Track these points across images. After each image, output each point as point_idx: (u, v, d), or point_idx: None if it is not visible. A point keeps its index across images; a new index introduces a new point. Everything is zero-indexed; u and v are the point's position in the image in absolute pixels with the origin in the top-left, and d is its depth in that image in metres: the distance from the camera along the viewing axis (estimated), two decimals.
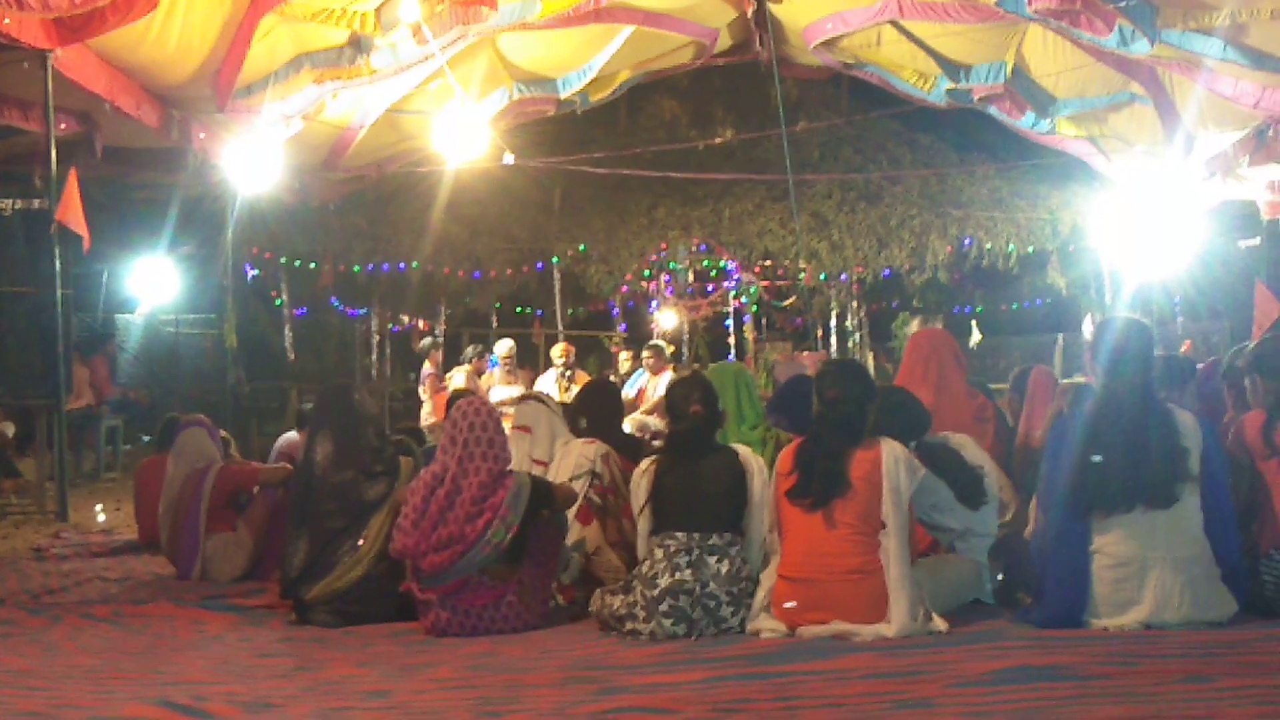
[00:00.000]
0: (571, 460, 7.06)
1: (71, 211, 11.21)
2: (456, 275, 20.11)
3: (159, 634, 6.48)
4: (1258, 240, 15.98)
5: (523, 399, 8.47)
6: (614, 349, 19.41)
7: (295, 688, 5.06)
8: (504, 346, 15.50)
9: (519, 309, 23.29)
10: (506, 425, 6.98)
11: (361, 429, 7.16)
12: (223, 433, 9.77)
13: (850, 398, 5.76)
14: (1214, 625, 5.25)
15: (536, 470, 7.11)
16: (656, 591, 5.68)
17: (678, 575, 5.68)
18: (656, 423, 12.16)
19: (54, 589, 7.98)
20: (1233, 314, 18.95)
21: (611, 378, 15.60)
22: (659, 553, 5.78)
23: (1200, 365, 8.38)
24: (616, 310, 21.85)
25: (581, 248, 20.11)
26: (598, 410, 7.79)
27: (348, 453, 7.01)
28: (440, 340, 18.07)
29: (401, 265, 19.65)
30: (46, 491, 12.14)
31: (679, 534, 5.77)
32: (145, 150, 14.26)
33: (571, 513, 6.74)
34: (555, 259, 20.27)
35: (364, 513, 6.82)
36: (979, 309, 23.34)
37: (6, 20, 9.21)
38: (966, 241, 19.94)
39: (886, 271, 20.60)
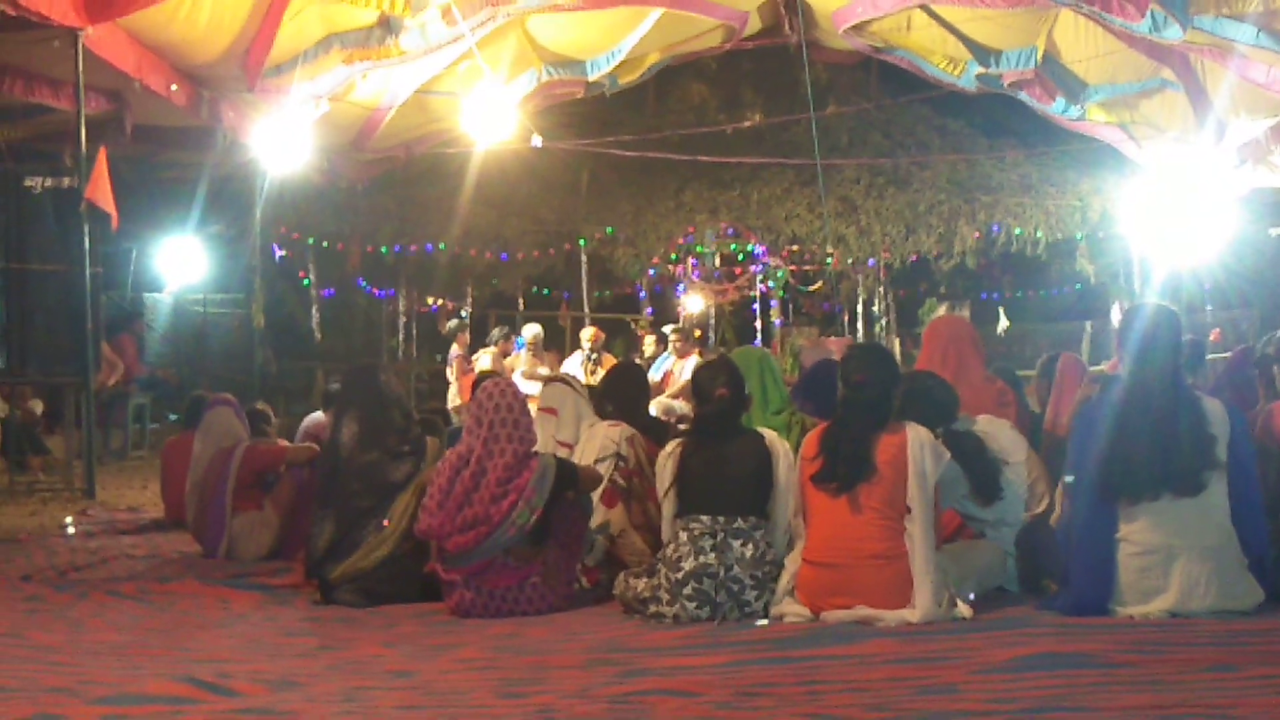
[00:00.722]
0: (597, 443, 7.06)
1: (101, 190, 11.25)
2: (484, 257, 20.17)
3: (184, 611, 6.51)
4: None
5: (549, 381, 8.47)
6: (640, 332, 19.41)
7: (320, 666, 5.08)
8: (530, 330, 15.51)
9: (546, 291, 23.33)
10: (532, 407, 6.98)
11: (387, 409, 7.17)
12: (260, 404, 9.81)
13: (876, 382, 5.74)
14: (1241, 614, 5.22)
15: (562, 452, 7.10)
16: (681, 575, 5.68)
17: (702, 559, 5.68)
18: (682, 406, 12.15)
19: (81, 566, 8.02)
20: (1263, 302, 18.87)
21: (637, 361, 15.60)
22: (683, 536, 5.78)
23: (1229, 353, 8.35)
24: (643, 293, 21.87)
25: (609, 230, 20.11)
26: (623, 393, 7.79)
27: (373, 433, 7.02)
28: (467, 322, 18.10)
29: (429, 246, 19.69)
30: (74, 469, 12.20)
31: (704, 517, 5.76)
32: (175, 129, 14.30)
33: (596, 495, 6.73)
34: (582, 241, 20.29)
35: (390, 493, 6.84)
36: (1007, 295, 23.29)
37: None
38: (995, 228, 19.90)
39: (914, 257, 20.58)
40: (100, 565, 8.05)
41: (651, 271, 21.14)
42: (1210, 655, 4.56)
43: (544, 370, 14.60)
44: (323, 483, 7.15)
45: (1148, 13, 11.18)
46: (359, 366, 8.70)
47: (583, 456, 7.01)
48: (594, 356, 15.08)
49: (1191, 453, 5.33)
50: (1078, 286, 22.33)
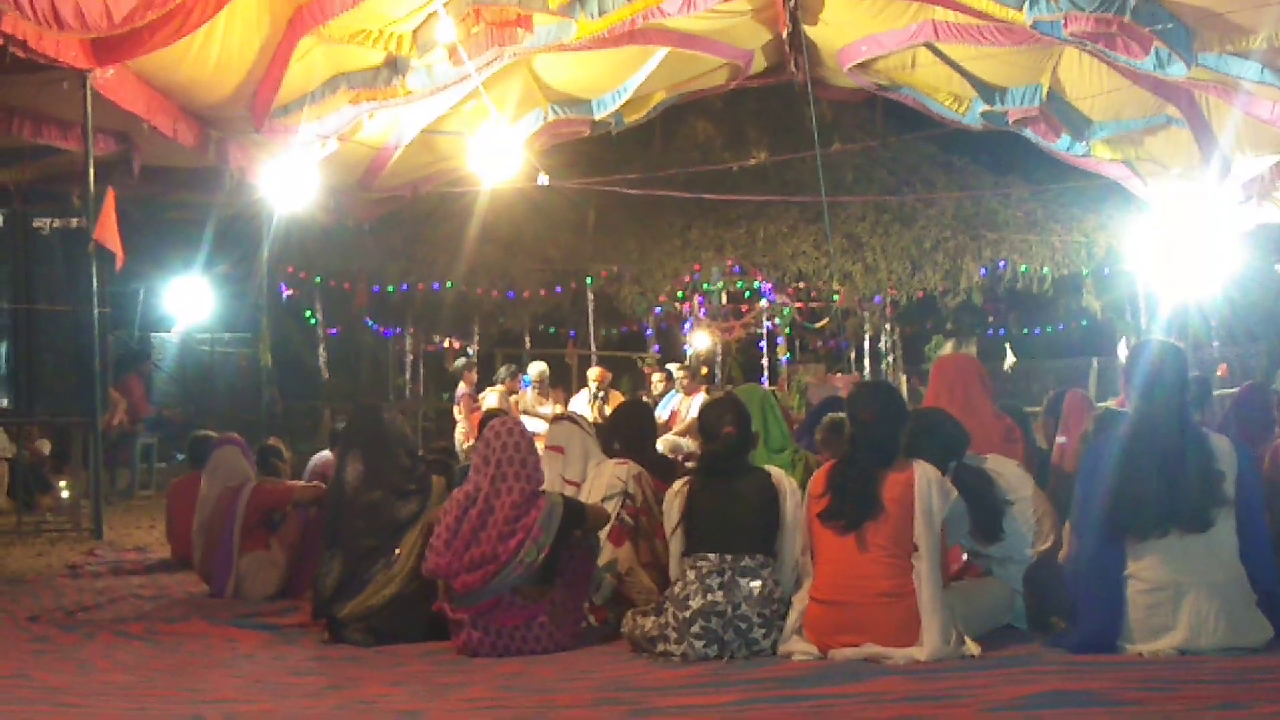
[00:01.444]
0: (604, 481, 7.05)
1: (108, 230, 11.30)
2: (490, 295, 20.18)
3: (192, 651, 6.51)
4: None
5: (556, 419, 8.47)
6: (647, 370, 19.42)
7: (327, 706, 5.07)
8: (536, 368, 15.52)
9: (552, 329, 23.35)
10: (539, 445, 6.99)
11: (392, 449, 7.17)
12: (273, 440, 9.82)
13: (883, 420, 5.75)
14: (1250, 651, 5.21)
15: (569, 491, 7.10)
16: (688, 613, 5.68)
17: (709, 597, 5.67)
18: (689, 444, 12.16)
19: (88, 606, 8.01)
20: (1269, 337, 18.87)
21: (644, 399, 15.61)
22: (691, 574, 5.78)
23: (1236, 389, 8.35)
24: (650, 331, 21.88)
25: (614, 269, 20.15)
26: (631, 431, 7.79)
27: (378, 472, 7.03)
28: (474, 360, 18.11)
29: (436, 285, 19.72)
30: (81, 509, 12.20)
31: (711, 555, 5.76)
32: (182, 170, 14.37)
33: (604, 533, 6.73)
34: (589, 279, 20.31)
35: (396, 531, 6.83)
36: (1013, 332, 23.30)
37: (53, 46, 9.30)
38: (1001, 264, 19.91)
39: (920, 294, 20.59)
40: (108, 605, 8.04)
41: (658, 309, 21.16)
42: (1219, 693, 4.55)
43: (549, 408, 14.60)
44: (328, 522, 7.15)
45: (1152, 50, 11.22)
46: (363, 406, 8.69)
47: (590, 494, 7.01)
48: (601, 395, 15.08)
49: (1199, 489, 5.33)
50: (1084, 323, 22.33)
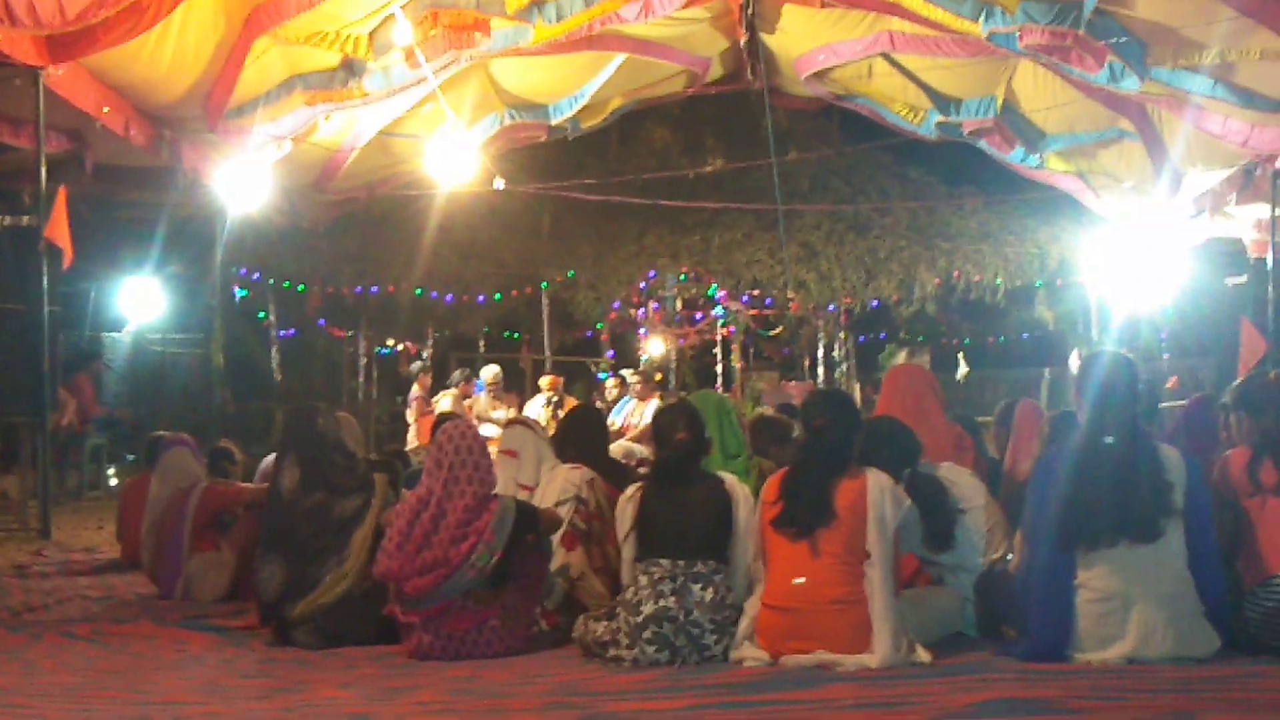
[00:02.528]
0: (557, 485, 7.04)
1: (59, 229, 11.21)
2: (445, 299, 20.15)
3: (140, 653, 6.46)
4: (1244, 278, 16.04)
5: (510, 424, 8.46)
6: (601, 376, 19.43)
7: (275, 709, 5.04)
8: (490, 371, 15.49)
9: (507, 334, 23.33)
10: (492, 449, 6.97)
11: (327, 452, 7.12)
12: (225, 443, 9.78)
13: (836, 427, 5.77)
14: (1198, 661, 5.24)
15: (522, 495, 7.09)
16: (640, 618, 5.67)
17: (661, 602, 5.67)
18: (643, 450, 12.15)
19: (35, 606, 7.95)
20: (1219, 350, 19.01)
21: (598, 404, 15.60)
22: (643, 579, 5.78)
23: (1186, 401, 8.41)
24: (605, 336, 21.89)
25: (570, 274, 20.14)
26: (583, 436, 7.79)
27: (315, 476, 6.98)
28: (428, 364, 18.08)
29: (390, 288, 19.67)
30: (30, 509, 12.10)
31: (663, 561, 5.76)
32: (135, 169, 14.26)
33: (556, 538, 6.71)
34: (544, 284, 20.31)
35: (342, 529, 6.78)
36: (966, 341, 23.42)
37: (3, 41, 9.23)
38: (954, 274, 20.01)
39: (874, 303, 20.67)
40: (55, 606, 7.98)
41: (613, 315, 21.18)
42: (1168, 702, 4.57)
43: (503, 413, 14.58)
44: (266, 527, 7.10)
45: (1106, 64, 11.29)
46: (296, 409, 8.62)
47: (543, 499, 7.00)
48: (555, 401, 15.07)
49: (1149, 500, 5.37)
50: (1036, 333, 22.48)
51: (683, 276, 21.10)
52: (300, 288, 19.52)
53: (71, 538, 11.48)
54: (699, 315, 22.11)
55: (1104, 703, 4.58)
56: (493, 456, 6.70)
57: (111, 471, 16.37)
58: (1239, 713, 4.43)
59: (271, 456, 10.63)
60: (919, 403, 7.54)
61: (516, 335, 23.22)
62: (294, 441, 7.20)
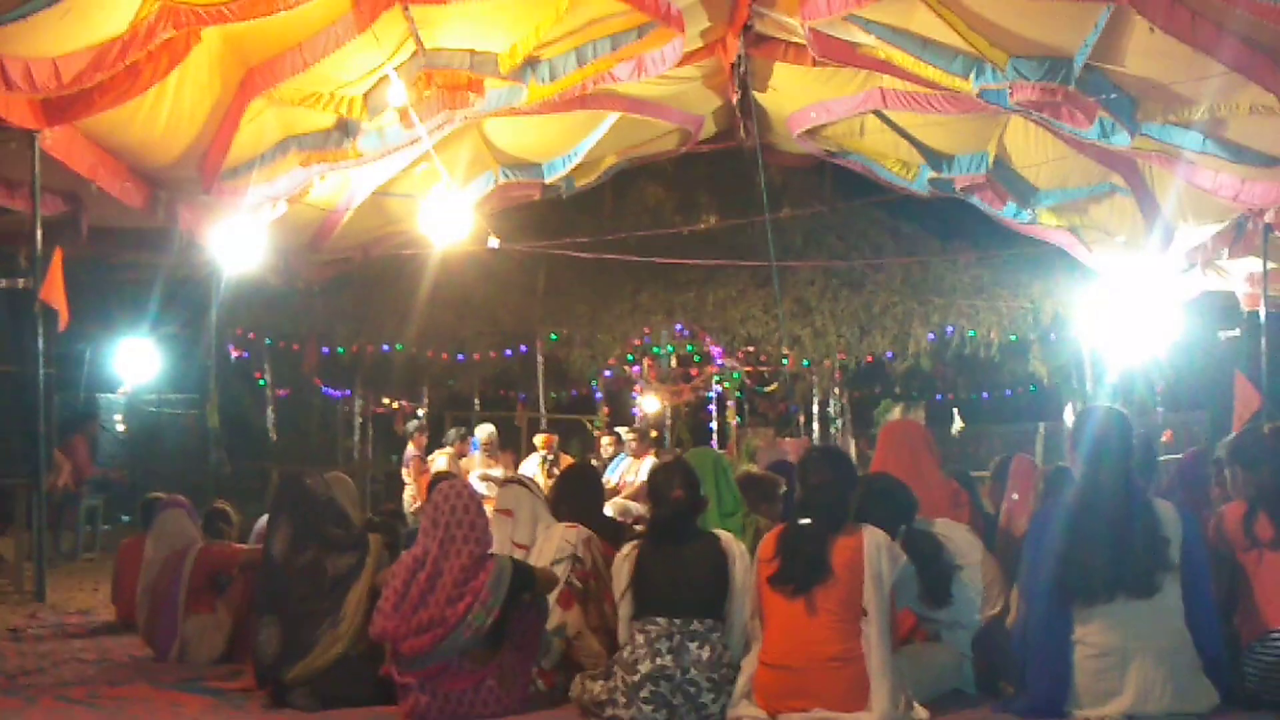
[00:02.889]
0: (553, 544, 7.03)
1: (54, 290, 11.22)
2: (440, 358, 20.16)
3: (135, 716, 6.43)
4: (1237, 331, 16.07)
5: (506, 482, 8.45)
6: (596, 433, 19.41)
7: None
8: (484, 431, 15.47)
9: (502, 392, 23.32)
10: (488, 508, 6.96)
11: (317, 513, 7.10)
12: (221, 503, 9.75)
13: (833, 484, 5.79)
14: (1196, 716, 5.23)
15: (518, 554, 7.08)
16: (637, 677, 5.66)
17: (658, 661, 5.66)
18: (639, 508, 12.13)
19: (30, 670, 7.90)
20: (1213, 404, 19.01)
21: (594, 462, 15.58)
22: (640, 638, 5.77)
23: (1181, 455, 8.42)
24: (600, 394, 21.89)
25: (554, 336, 20.20)
26: (578, 495, 7.77)
27: (306, 535, 6.96)
28: (424, 423, 18.06)
29: (385, 347, 19.69)
30: (24, 571, 12.05)
31: (660, 620, 5.76)
32: (131, 230, 14.29)
33: (552, 597, 6.70)
34: (538, 342, 20.33)
35: (335, 587, 6.75)
36: (961, 397, 23.42)
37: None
38: (949, 329, 20.04)
39: (869, 359, 20.68)
40: (50, 669, 7.93)
41: (608, 373, 21.19)
42: None
43: (498, 471, 14.55)
44: (261, 590, 7.10)
45: (1096, 119, 11.35)
46: (285, 475, 8.62)
47: (539, 558, 6.98)
48: (550, 459, 15.05)
49: (1145, 555, 5.37)
50: (1031, 388, 22.49)
51: (677, 332, 21.12)
52: (295, 347, 19.53)
53: (66, 600, 11.43)
54: (694, 372, 22.11)
55: None
56: (488, 515, 6.70)
57: (106, 530, 16.32)
58: None
59: (265, 518, 10.65)
60: (914, 458, 7.56)
61: (512, 393, 23.21)
62: (285, 503, 7.20)
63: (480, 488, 13.18)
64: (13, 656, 8.45)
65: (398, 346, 19.64)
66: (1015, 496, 7.63)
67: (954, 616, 6.12)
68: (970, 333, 20.02)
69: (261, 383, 19.93)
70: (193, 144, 12.08)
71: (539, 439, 15.69)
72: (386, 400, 22.17)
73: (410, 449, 15.85)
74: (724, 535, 6.13)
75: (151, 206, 12.92)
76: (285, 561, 6.92)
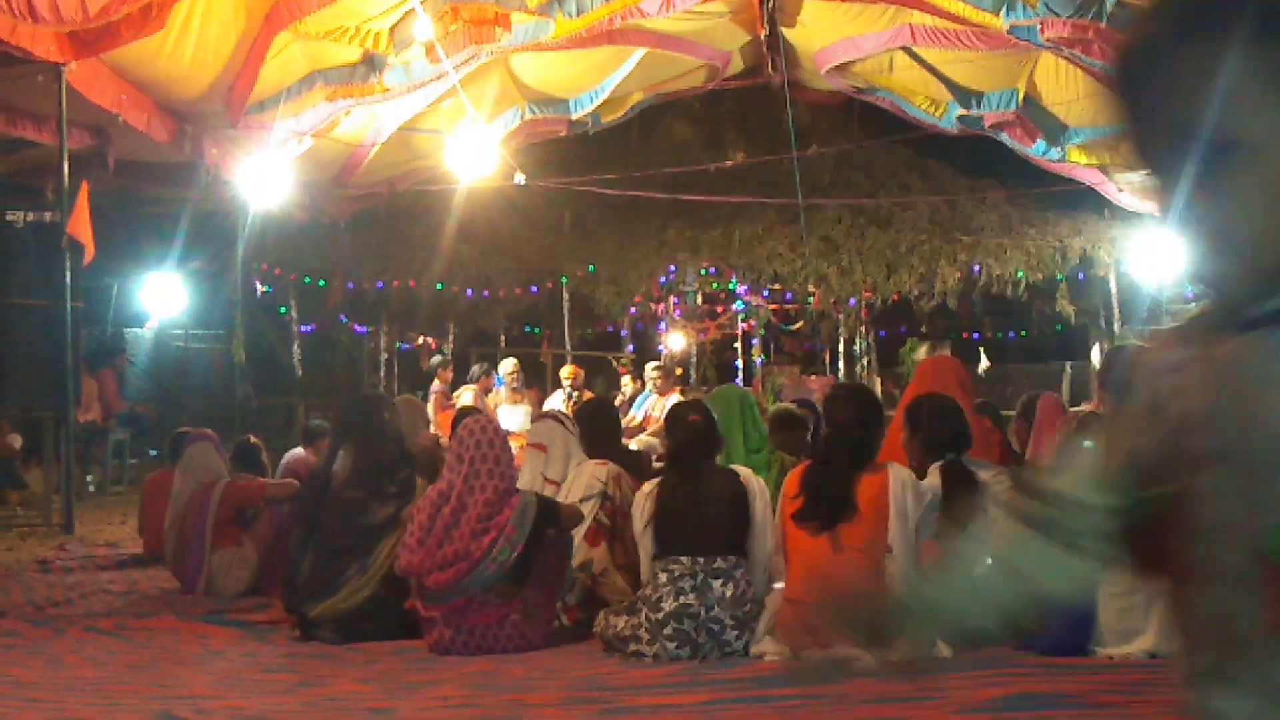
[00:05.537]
0: (584, 481, 7.03)
1: (81, 224, 11.25)
2: (466, 294, 20.15)
3: (163, 648, 6.48)
4: None
5: (540, 417, 8.45)
6: (620, 370, 19.40)
7: (298, 703, 5.06)
8: (508, 365, 15.46)
9: (528, 329, 23.33)
10: (517, 444, 6.97)
11: (384, 446, 7.12)
12: (254, 438, 9.79)
13: (859, 422, 5.77)
14: None
15: (549, 490, 7.09)
16: (661, 615, 5.67)
17: (682, 599, 5.67)
18: (662, 445, 12.12)
19: (59, 601, 7.97)
20: None
21: (618, 400, 15.57)
22: (663, 576, 5.77)
23: None
24: (625, 331, 21.87)
25: (591, 269, 20.13)
26: (593, 430, 7.74)
27: (365, 470, 6.99)
28: (450, 359, 18.06)
29: (411, 283, 19.68)
30: (52, 504, 12.14)
31: (683, 558, 5.75)
32: (157, 164, 14.29)
33: (580, 533, 6.72)
34: (564, 279, 20.30)
35: (369, 535, 6.77)
36: (988, 336, 23.35)
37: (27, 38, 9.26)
38: (976, 268, 19.93)
39: (895, 297, 20.61)
40: (78, 601, 8.00)
41: (633, 309, 21.16)
42: None
43: (524, 407, 14.53)
44: (307, 511, 7.12)
45: None
46: (363, 397, 8.62)
47: (569, 494, 6.99)
48: (574, 395, 15.04)
49: None
50: (1058, 327, 22.38)
51: (703, 271, 21.08)
52: (321, 283, 19.54)
53: (94, 532, 11.52)
54: (720, 310, 22.06)
55: (1125, 697, 4.57)
56: (515, 451, 6.72)
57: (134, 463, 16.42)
58: None
59: (295, 451, 10.70)
60: (949, 394, 7.53)
61: (537, 330, 23.21)
62: (354, 429, 7.21)
63: (506, 420, 13.23)
64: (41, 588, 8.53)
65: (424, 283, 19.60)
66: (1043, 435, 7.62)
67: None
68: (997, 271, 19.90)
69: (286, 316, 19.95)
70: (219, 78, 12.05)
71: (565, 370, 15.68)
72: (412, 336, 22.17)
73: (435, 384, 15.86)
74: (743, 470, 6.12)
75: (178, 141, 12.92)
76: (338, 489, 6.94)
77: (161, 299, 18.95)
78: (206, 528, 8.45)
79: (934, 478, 5.99)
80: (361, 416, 7.32)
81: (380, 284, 19.74)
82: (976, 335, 23.42)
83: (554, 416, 8.12)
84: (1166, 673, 4.91)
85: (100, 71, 11.09)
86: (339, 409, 8.45)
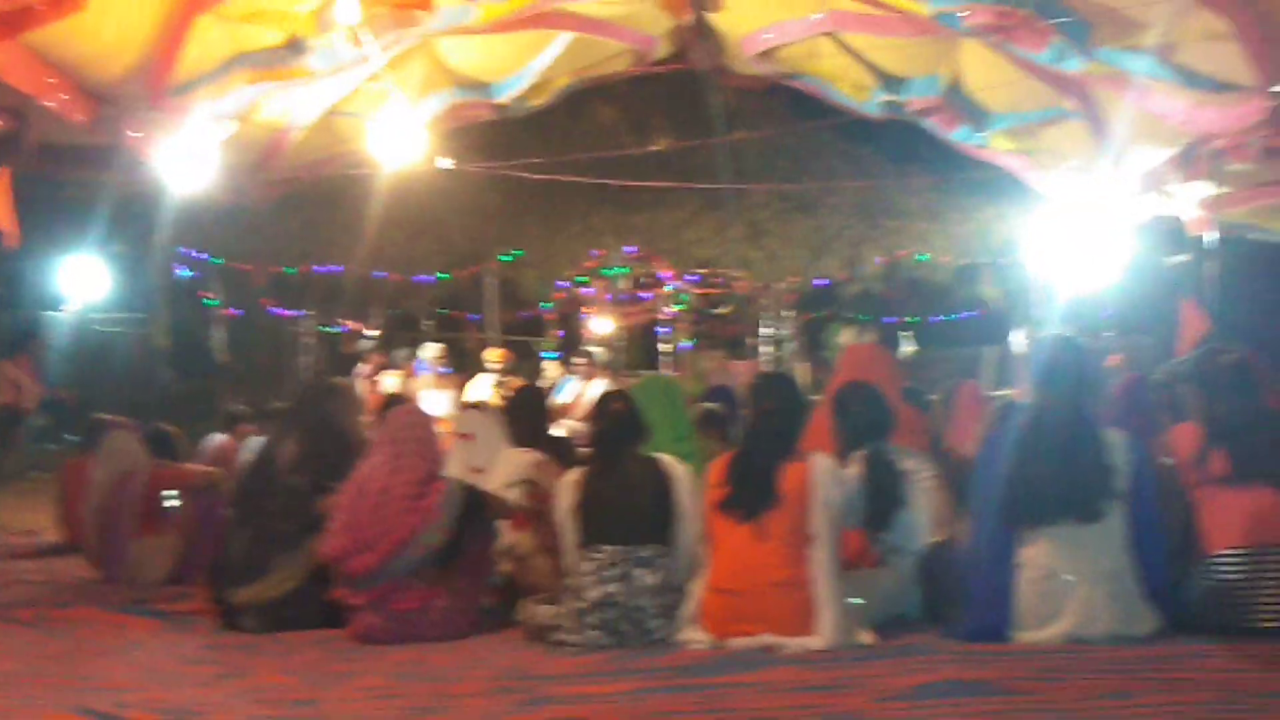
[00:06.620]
0: (509, 468, 7.04)
1: (1, 210, 11.09)
2: (391, 278, 20.06)
3: (81, 638, 6.42)
4: (1186, 256, 16.14)
5: (466, 408, 8.46)
6: (545, 362, 19.38)
7: (220, 695, 5.02)
8: (432, 349, 15.39)
9: (452, 313, 23.24)
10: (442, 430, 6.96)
11: (330, 437, 7.06)
12: (170, 428, 9.70)
13: (784, 410, 5.81)
14: (1138, 640, 5.29)
15: (474, 478, 7.07)
16: (585, 604, 5.68)
17: (606, 589, 5.67)
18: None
19: None
20: (1160, 328, 19.13)
21: (541, 384, 15.54)
22: (587, 565, 5.77)
23: (1128, 378, 8.47)
24: (551, 316, 21.86)
25: (516, 253, 20.10)
26: (524, 418, 7.74)
27: (309, 458, 6.92)
28: (377, 343, 17.97)
29: (336, 268, 19.57)
30: None
31: (607, 547, 5.76)
32: (77, 147, 14.06)
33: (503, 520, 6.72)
34: (490, 263, 20.26)
35: (307, 525, 6.65)
36: (912, 320, 23.49)
37: None
38: (900, 253, 20.07)
39: (821, 281, 20.70)
40: None
41: (559, 294, 21.14)
42: (1109, 682, 4.62)
43: (448, 394, 14.47)
44: (245, 495, 7.06)
45: (1050, 43, 11.33)
46: (315, 385, 8.55)
47: (495, 481, 6.99)
48: (502, 380, 14.98)
49: (1091, 481, 5.42)
50: (981, 312, 22.55)
51: (627, 256, 21.09)
52: (245, 267, 19.38)
53: (13, 520, 11.39)
54: (645, 294, 22.07)
55: (1044, 683, 4.62)
56: (439, 437, 6.71)
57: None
58: (1178, 693, 4.47)
59: (215, 437, 10.62)
60: (878, 381, 7.56)
61: (461, 314, 23.14)
62: (303, 417, 7.16)
63: (431, 404, 13.17)
64: None
65: (348, 267, 19.49)
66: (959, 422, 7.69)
67: (900, 541, 6.15)
68: (921, 256, 20.04)
69: (210, 302, 19.77)
70: (139, 60, 11.89)
71: (492, 354, 15.62)
72: (336, 321, 22.03)
73: (360, 368, 15.78)
74: (664, 458, 6.11)
75: (98, 123, 12.74)
76: (279, 474, 6.87)
77: (81, 282, 18.70)
78: (127, 516, 8.38)
79: (855, 466, 6.04)
80: (309, 404, 7.28)
81: (305, 268, 19.61)
82: (901, 320, 23.55)
83: (479, 407, 8.13)
84: (1086, 659, 4.99)
85: (16, 52, 10.92)
86: (292, 395, 8.40)
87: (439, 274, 20.21)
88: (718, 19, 15.91)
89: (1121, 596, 5.37)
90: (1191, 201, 14.23)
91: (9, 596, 7.73)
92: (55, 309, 19.36)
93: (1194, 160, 12.73)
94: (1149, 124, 12.76)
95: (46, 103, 11.52)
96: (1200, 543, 5.66)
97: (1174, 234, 16.21)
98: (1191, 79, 11.30)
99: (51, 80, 11.46)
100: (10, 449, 15.19)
